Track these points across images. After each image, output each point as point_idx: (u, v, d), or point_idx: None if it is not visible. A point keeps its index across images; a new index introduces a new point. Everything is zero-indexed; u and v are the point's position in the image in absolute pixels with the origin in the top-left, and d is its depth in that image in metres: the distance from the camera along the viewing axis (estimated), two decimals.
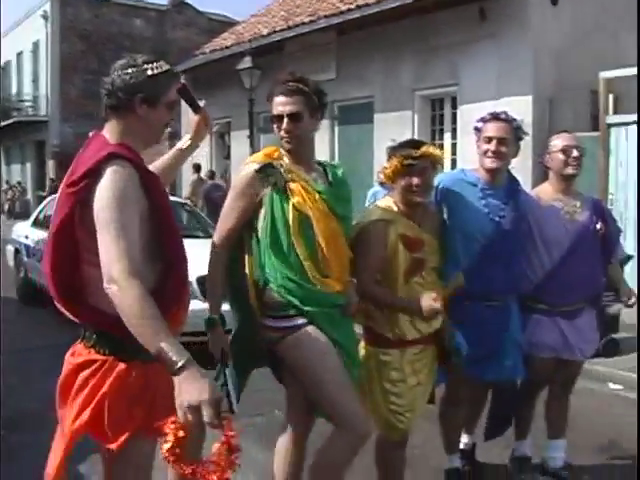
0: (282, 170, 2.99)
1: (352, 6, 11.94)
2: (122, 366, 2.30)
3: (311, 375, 2.97)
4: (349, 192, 3.25)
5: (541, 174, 4.00)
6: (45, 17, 27.39)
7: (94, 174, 2.26)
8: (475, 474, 4.13)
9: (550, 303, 3.85)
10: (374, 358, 3.36)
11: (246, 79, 13.19)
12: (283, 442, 3.24)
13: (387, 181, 3.40)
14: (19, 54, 30.91)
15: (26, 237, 10.09)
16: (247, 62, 13.20)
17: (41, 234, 9.50)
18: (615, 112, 9.42)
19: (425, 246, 3.33)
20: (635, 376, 6.13)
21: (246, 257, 3.09)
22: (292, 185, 2.98)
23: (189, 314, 2.60)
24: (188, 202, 11.55)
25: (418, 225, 3.35)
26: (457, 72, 10.95)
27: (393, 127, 11.52)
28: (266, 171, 2.97)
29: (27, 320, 9.18)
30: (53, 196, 10.98)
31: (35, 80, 29.30)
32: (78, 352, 2.42)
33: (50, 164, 26.99)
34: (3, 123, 29.23)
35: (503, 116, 3.62)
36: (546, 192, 3.92)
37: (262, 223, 2.99)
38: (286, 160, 3.04)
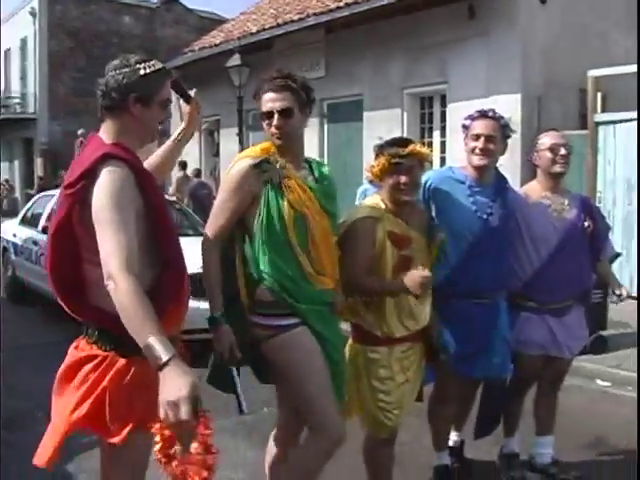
0: (278, 166, 2.98)
1: (341, 4, 11.95)
2: (122, 361, 2.34)
3: (295, 377, 2.95)
4: (335, 189, 3.26)
5: (530, 172, 4.02)
6: (33, 14, 27.21)
7: (90, 175, 2.31)
8: (464, 471, 4.15)
9: (539, 301, 3.86)
10: (362, 356, 3.36)
11: (235, 77, 13.17)
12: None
13: (375, 179, 3.41)
14: (7, 51, 30.69)
15: (14, 235, 10.05)
16: (236, 60, 13.17)
17: (29, 232, 9.47)
18: (603, 110, 9.49)
19: (413, 243, 3.33)
20: (623, 373, 6.19)
21: (236, 254, 3.05)
22: (289, 182, 2.98)
23: None
24: (176, 200, 11.53)
25: (406, 223, 3.35)
26: (446, 70, 10.97)
27: (382, 125, 11.54)
28: (262, 166, 2.95)
29: (15, 319, 9.12)
30: (41, 194, 10.96)
31: (23, 77, 29.12)
32: (81, 347, 2.47)
33: (38, 162, 26.83)
34: None
35: (491, 114, 3.63)
36: (534, 190, 3.93)
37: (257, 219, 2.95)
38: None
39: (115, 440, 2.34)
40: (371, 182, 8.07)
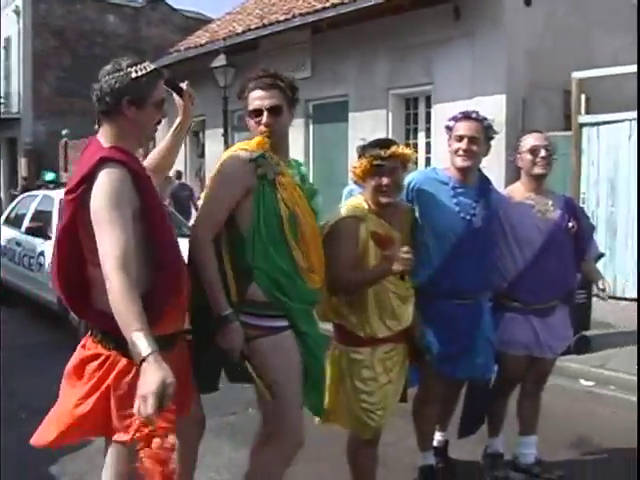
0: (273, 162, 2.98)
1: (327, 4, 11.94)
2: (124, 361, 2.41)
3: (273, 380, 2.93)
4: (315, 189, 3.27)
5: (514, 173, 4.04)
6: (17, 12, 27.01)
7: (89, 179, 2.40)
8: (448, 471, 4.16)
9: (523, 301, 3.87)
10: (345, 357, 3.36)
11: (220, 77, 13.14)
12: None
13: (358, 180, 3.42)
14: None
15: None
16: (221, 60, 13.14)
17: (12, 233, 9.42)
18: (587, 112, 9.54)
19: (396, 244, 3.34)
20: (606, 373, 6.23)
21: (224, 252, 2.97)
22: (282, 179, 2.98)
23: None
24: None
25: (389, 223, 3.35)
26: (431, 71, 10.99)
27: (367, 126, 11.54)
28: (258, 160, 2.92)
29: None
30: (25, 194, 10.88)
31: (7, 77, 28.87)
32: (88, 345, 2.57)
33: (22, 162, 26.62)
34: None
35: (474, 115, 3.64)
36: (518, 191, 3.95)
37: (252, 214, 2.90)
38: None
39: (123, 439, 2.41)
40: (356, 182, 8.10)
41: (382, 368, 3.36)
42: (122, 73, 2.52)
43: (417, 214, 3.62)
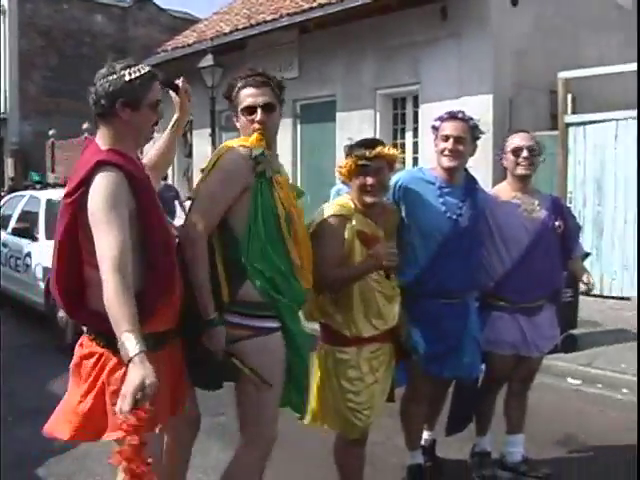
0: (271, 160, 2.97)
1: (314, 4, 11.95)
2: (115, 359, 2.46)
3: (256, 384, 2.90)
4: (301, 190, 3.28)
5: (501, 173, 4.05)
6: (3, 12, 26.83)
7: (87, 182, 2.46)
8: (436, 470, 4.17)
9: (510, 300, 3.89)
10: (331, 356, 3.36)
11: (208, 77, 13.13)
12: None
13: (344, 180, 3.42)
14: None
15: None
16: (209, 60, 13.13)
17: None
18: (573, 112, 9.59)
19: (382, 243, 3.34)
20: (593, 371, 6.26)
21: (217, 252, 2.91)
22: (279, 178, 2.98)
23: None
24: None
25: (375, 223, 3.36)
26: (419, 71, 11.02)
27: (355, 126, 11.57)
28: (258, 158, 2.90)
29: None
30: (12, 195, 10.82)
31: None
32: (85, 344, 2.63)
33: (9, 162, 26.46)
34: None
35: (460, 115, 3.65)
36: (504, 191, 3.96)
37: (247, 213, 2.87)
38: None
39: (113, 437, 2.44)
40: (344, 182, 8.11)
41: (368, 368, 3.35)
42: (116, 76, 2.56)
43: (403, 214, 3.63)
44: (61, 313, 7.36)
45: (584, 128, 9.45)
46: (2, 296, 9.06)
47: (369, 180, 3.24)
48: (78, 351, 2.65)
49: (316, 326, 3.47)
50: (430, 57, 10.77)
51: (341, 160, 3.43)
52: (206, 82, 13.16)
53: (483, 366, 4.02)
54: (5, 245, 8.94)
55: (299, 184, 10.95)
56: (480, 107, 9.64)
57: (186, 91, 3.11)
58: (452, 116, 3.65)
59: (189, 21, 24.86)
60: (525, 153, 3.83)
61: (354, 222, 3.28)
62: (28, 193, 9.79)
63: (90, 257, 2.46)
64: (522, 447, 4.16)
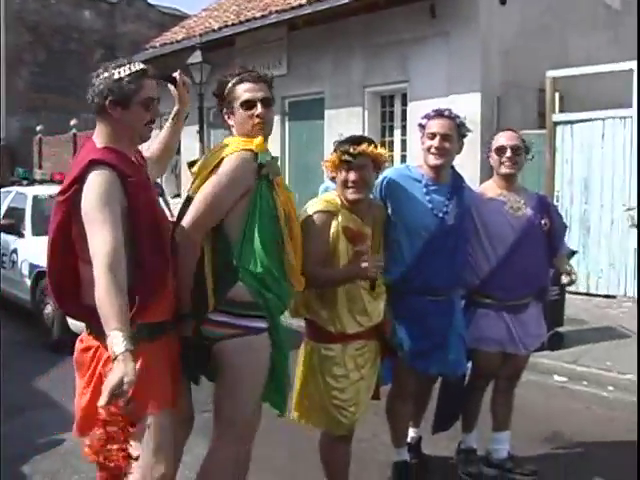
0: (274, 162, 2.97)
1: (303, 1, 11.92)
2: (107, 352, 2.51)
3: (239, 382, 2.90)
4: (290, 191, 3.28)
5: (489, 171, 4.06)
6: None
7: (80, 180, 2.52)
8: (422, 467, 4.18)
9: (496, 298, 3.90)
10: (316, 353, 3.36)
11: (196, 74, 13.07)
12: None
13: (330, 173, 3.43)
14: None
15: None
16: (197, 57, 13.08)
17: None
18: (561, 111, 9.63)
19: (368, 240, 3.35)
20: (579, 369, 6.29)
21: (206, 252, 2.89)
22: (279, 180, 2.99)
23: None
24: None
25: (361, 219, 3.36)
26: (407, 69, 11.02)
27: (343, 123, 11.55)
28: (262, 163, 2.90)
29: None
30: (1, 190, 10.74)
31: None
32: (85, 339, 2.69)
33: None
34: None
35: (447, 113, 3.66)
36: (491, 189, 3.97)
37: (242, 215, 2.86)
38: None
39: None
40: (332, 179, 8.12)
41: (353, 364, 3.36)
42: (107, 74, 2.61)
43: (390, 211, 3.63)
44: (47, 310, 7.35)
45: (571, 127, 9.49)
46: None
47: (351, 176, 3.25)
48: (78, 346, 2.71)
49: (302, 323, 3.47)
50: (419, 55, 10.78)
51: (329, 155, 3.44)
52: (194, 79, 13.09)
53: (470, 364, 4.04)
54: None
55: (287, 181, 10.92)
56: (468, 105, 9.66)
57: (184, 83, 3.14)
58: (439, 114, 3.66)
59: (178, 17, 24.75)
60: (509, 153, 3.84)
61: (340, 218, 3.29)
62: (14, 189, 9.72)
63: (84, 254, 2.49)
64: (508, 444, 4.17)
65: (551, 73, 9.55)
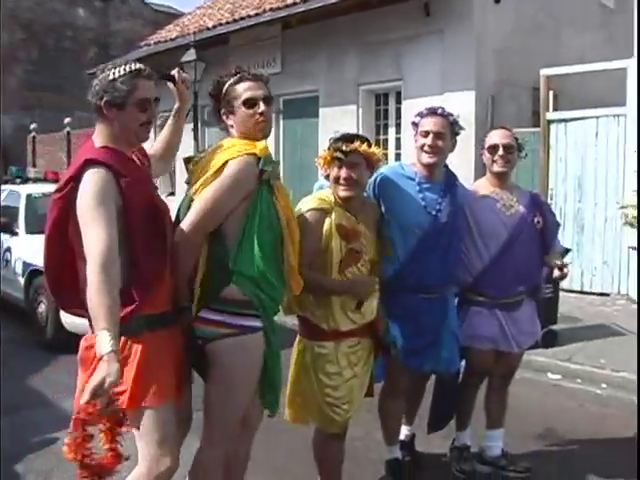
0: (275, 166, 2.97)
1: (298, 0, 11.93)
2: None
3: (232, 382, 2.89)
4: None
5: (483, 170, 4.06)
6: None
7: (76, 179, 2.55)
8: (415, 464, 4.19)
9: (489, 296, 3.90)
10: (310, 351, 3.36)
11: (190, 72, 13.05)
12: None
13: (322, 169, 3.44)
14: None
15: None
16: (191, 55, 13.06)
17: None
18: (555, 109, 9.64)
19: (362, 238, 3.35)
20: (573, 366, 6.31)
21: (203, 250, 2.88)
22: (278, 183, 2.98)
23: None
24: None
25: (355, 217, 3.36)
26: (401, 67, 11.03)
27: (338, 121, 11.55)
28: (264, 167, 2.89)
29: None
30: None
31: None
32: (89, 338, 2.70)
33: None
34: None
35: (440, 111, 3.66)
36: (484, 186, 3.97)
37: (241, 219, 2.84)
38: None
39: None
40: (326, 177, 8.11)
41: (346, 362, 3.36)
42: (103, 75, 2.64)
43: (383, 209, 3.63)
44: (41, 308, 7.34)
45: (565, 125, 9.50)
46: None
47: (342, 173, 3.26)
48: (82, 344, 2.74)
49: (295, 321, 3.47)
50: (413, 53, 10.79)
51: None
52: (189, 77, 13.09)
53: (463, 362, 4.04)
54: None
55: (282, 179, 10.91)
56: (462, 104, 9.67)
57: (183, 81, 3.16)
58: (432, 112, 3.66)
59: (172, 15, 24.72)
60: (501, 151, 3.84)
61: (334, 216, 3.30)
62: (8, 187, 9.69)
63: (81, 251, 2.51)
64: (502, 441, 4.18)
65: (545, 71, 9.56)
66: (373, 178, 3.58)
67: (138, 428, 2.69)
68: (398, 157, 11.19)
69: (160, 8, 29.46)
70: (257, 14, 12.84)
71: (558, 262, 3.94)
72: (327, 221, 3.28)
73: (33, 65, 25.34)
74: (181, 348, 2.85)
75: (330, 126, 11.33)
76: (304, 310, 3.36)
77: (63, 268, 2.68)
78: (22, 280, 7.69)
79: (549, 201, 9.13)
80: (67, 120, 19.99)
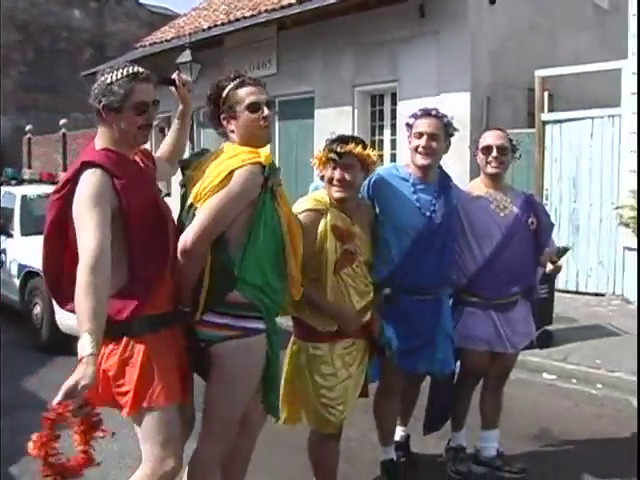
0: (278, 173, 2.97)
1: (293, 1, 11.93)
2: (111, 346, 2.65)
3: (234, 383, 2.89)
4: None
5: (478, 171, 4.07)
6: None
7: (73, 180, 2.59)
8: (410, 465, 4.19)
9: (483, 296, 3.90)
10: (304, 352, 3.36)
11: (186, 73, 13.06)
12: None
13: (317, 169, 3.44)
14: None
15: None
16: (187, 56, 13.07)
17: None
18: (550, 110, 9.66)
19: (357, 239, 3.36)
20: (568, 367, 6.32)
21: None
22: (279, 189, 2.98)
23: None
24: None
25: (350, 218, 3.37)
26: (397, 68, 11.04)
27: (333, 122, 11.56)
28: (269, 176, 2.89)
29: None
30: None
31: None
32: None
33: None
34: None
35: (434, 112, 3.66)
36: (477, 187, 3.98)
37: (245, 226, 2.83)
38: None
39: (123, 413, 2.67)
40: (322, 178, 8.12)
41: (341, 363, 3.37)
42: (102, 79, 2.66)
43: (377, 210, 3.64)
44: (36, 310, 7.33)
45: (560, 126, 9.52)
46: None
47: (336, 174, 3.28)
48: None
49: (289, 322, 3.47)
50: (408, 54, 10.80)
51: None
52: None
53: (458, 363, 4.05)
54: None
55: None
56: (458, 105, 9.69)
57: (184, 84, 3.17)
58: (426, 113, 3.66)
59: (168, 16, 24.73)
60: (495, 152, 3.85)
61: (329, 217, 3.31)
62: (3, 189, 9.67)
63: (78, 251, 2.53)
64: (497, 442, 4.19)
65: (540, 72, 9.58)
66: (367, 179, 3.58)
67: (140, 429, 2.71)
68: (393, 158, 11.20)
69: (156, 9, 29.44)
70: (252, 15, 12.85)
71: (552, 257, 3.93)
72: (322, 222, 3.29)
73: (28, 66, 25.29)
74: (183, 348, 2.87)
75: (325, 127, 11.34)
76: (299, 311, 3.36)
77: (61, 267, 2.69)
78: (17, 282, 7.67)
79: (544, 202, 9.15)
80: (63, 121, 19.97)
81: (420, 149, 3.62)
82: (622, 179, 8.89)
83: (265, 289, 2.89)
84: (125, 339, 2.63)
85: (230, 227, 2.83)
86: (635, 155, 8.51)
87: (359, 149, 3.27)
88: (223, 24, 13.61)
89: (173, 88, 3.16)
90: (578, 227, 9.36)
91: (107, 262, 2.43)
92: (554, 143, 9.56)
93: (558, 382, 6.17)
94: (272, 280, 2.91)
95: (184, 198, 3.01)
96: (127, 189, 2.61)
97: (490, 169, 3.88)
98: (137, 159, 2.84)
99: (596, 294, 9.24)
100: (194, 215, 2.83)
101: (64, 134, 19.83)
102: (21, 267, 7.58)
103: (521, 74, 10.34)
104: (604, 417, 5.25)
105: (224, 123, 3.03)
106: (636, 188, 8.25)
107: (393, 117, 11.44)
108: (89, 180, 2.55)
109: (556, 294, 7.24)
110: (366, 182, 3.58)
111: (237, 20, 13.24)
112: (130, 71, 2.65)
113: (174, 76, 3.16)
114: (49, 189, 7.67)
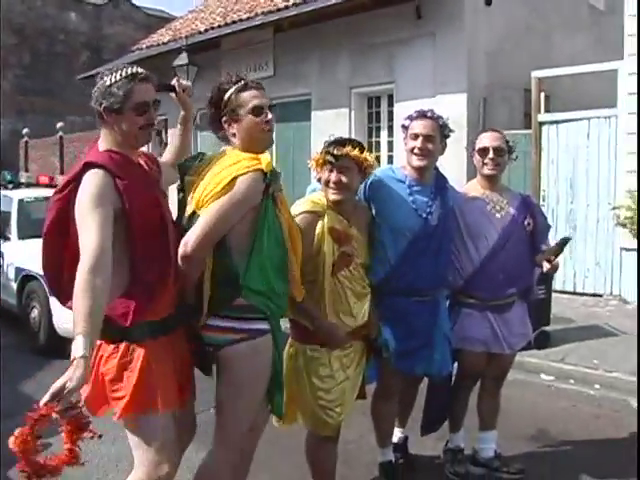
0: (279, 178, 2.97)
1: (289, 3, 11.94)
2: (110, 348, 2.66)
3: (246, 385, 2.89)
4: None
5: (474, 172, 4.07)
6: None
7: (75, 181, 2.61)
8: (408, 466, 4.19)
9: (480, 298, 3.90)
10: (302, 354, 3.36)
11: (182, 76, 13.05)
12: None
13: (314, 171, 3.44)
14: None
15: None
16: (183, 58, 13.07)
17: None
18: (547, 111, 9.67)
19: (354, 241, 3.36)
20: (566, 367, 6.32)
21: (208, 261, 2.84)
22: (280, 195, 2.98)
23: None
24: None
25: (347, 220, 3.38)
26: (393, 70, 11.05)
27: (330, 124, 11.56)
28: (271, 182, 2.88)
29: None
30: None
31: None
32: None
33: None
34: None
35: (429, 114, 3.66)
36: (474, 189, 3.98)
37: (248, 232, 2.83)
38: None
39: (114, 417, 2.66)
40: (319, 180, 8.11)
41: (339, 365, 3.37)
42: (102, 81, 2.66)
43: (374, 212, 3.64)
44: (34, 314, 7.32)
45: (557, 127, 9.54)
46: None
47: (332, 177, 3.28)
48: None
49: (287, 324, 3.47)
50: (405, 56, 10.80)
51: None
52: None
53: (456, 365, 4.05)
54: None
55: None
56: (454, 106, 9.69)
57: (184, 89, 3.18)
58: (421, 115, 3.66)
59: (164, 19, 24.73)
60: (491, 154, 3.85)
61: (326, 219, 3.31)
62: (0, 192, 9.67)
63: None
64: (495, 443, 4.19)
65: (536, 73, 9.60)
66: (364, 181, 3.58)
67: (135, 434, 2.70)
68: (390, 160, 11.20)
69: (152, 12, 29.40)
70: (249, 18, 12.85)
71: (548, 256, 3.92)
72: (320, 224, 3.29)
73: (25, 70, 25.24)
74: (183, 353, 2.86)
75: (323, 129, 11.35)
76: (297, 314, 3.36)
77: (61, 266, 2.69)
78: (15, 285, 7.67)
79: (541, 203, 9.16)
80: (59, 125, 19.94)
81: (416, 150, 3.62)
82: (619, 180, 8.91)
83: (270, 295, 2.89)
84: (125, 343, 2.63)
85: (232, 233, 2.82)
86: (633, 156, 8.52)
87: (356, 152, 3.27)
88: (220, 26, 13.61)
89: (173, 94, 3.17)
90: (575, 228, 9.37)
91: (108, 262, 2.43)
92: (551, 144, 9.58)
93: (556, 383, 6.17)
94: (276, 285, 2.91)
95: (182, 203, 3.00)
96: (130, 190, 2.62)
97: (486, 170, 3.88)
98: (141, 162, 2.84)
99: (593, 295, 9.25)
100: None
101: (61, 137, 19.81)
102: (18, 270, 7.58)
103: (517, 75, 10.35)
104: (602, 417, 5.25)
105: (225, 126, 3.01)
106: (636, 188, 8.27)
107: (390, 119, 11.44)
108: (91, 181, 2.55)
109: (554, 295, 7.26)
110: (363, 184, 3.58)
111: (233, 22, 13.24)
112: (129, 72, 2.65)
113: (174, 82, 3.15)
114: (46, 192, 7.68)
